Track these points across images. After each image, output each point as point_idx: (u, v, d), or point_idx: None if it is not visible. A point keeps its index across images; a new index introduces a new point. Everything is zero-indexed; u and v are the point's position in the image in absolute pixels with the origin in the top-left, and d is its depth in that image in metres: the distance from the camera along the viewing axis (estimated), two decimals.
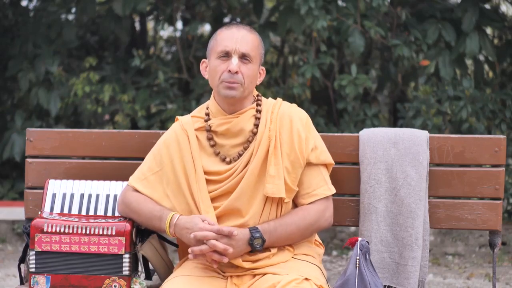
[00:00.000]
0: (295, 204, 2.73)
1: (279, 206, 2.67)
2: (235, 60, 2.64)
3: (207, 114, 2.74)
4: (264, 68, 2.78)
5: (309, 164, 2.70)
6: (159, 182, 2.71)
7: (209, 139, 2.71)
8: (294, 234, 2.67)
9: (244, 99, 2.70)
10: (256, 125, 2.69)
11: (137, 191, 2.74)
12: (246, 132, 2.69)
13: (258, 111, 2.71)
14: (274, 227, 2.63)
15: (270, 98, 2.79)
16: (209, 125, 2.71)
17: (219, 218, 2.65)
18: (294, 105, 2.77)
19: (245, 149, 2.68)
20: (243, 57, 2.65)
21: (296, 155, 2.66)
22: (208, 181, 2.67)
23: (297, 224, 2.66)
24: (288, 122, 2.69)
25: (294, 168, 2.66)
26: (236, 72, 2.63)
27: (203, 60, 2.77)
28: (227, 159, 2.69)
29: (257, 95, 2.77)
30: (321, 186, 2.71)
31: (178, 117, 2.80)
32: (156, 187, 2.71)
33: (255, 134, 2.69)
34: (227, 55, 2.65)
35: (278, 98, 2.79)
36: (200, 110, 2.79)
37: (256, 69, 2.70)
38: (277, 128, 2.67)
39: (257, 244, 2.59)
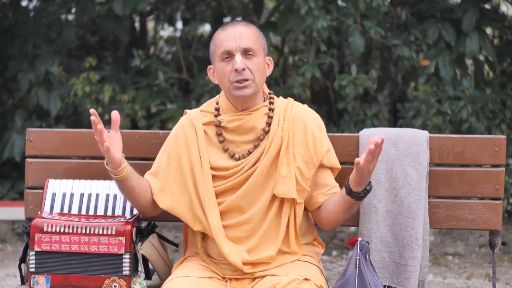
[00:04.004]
0: (306, 207, 2.71)
1: (292, 207, 2.64)
2: (238, 57, 2.59)
3: (217, 109, 2.70)
4: (271, 59, 2.72)
5: (321, 166, 2.68)
6: (165, 178, 2.69)
7: (218, 134, 2.67)
8: None
9: (256, 94, 2.65)
10: (269, 124, 2.66)
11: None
12: (257, 130, 2.66)
13: (271, 110, 2.67)
14: None
15: (281, 97, 2.76)
16: (218, 121, 2.68)
17: (222, 214, 2.63)
18: (306, 105, 2.74)
19: (256, 147, 2.65)
20: (246, 52, 2.60)
21: (310, 156, 2.64)
22: (214, 177, 2.64)
23: None
24: (302, 123, 2.66)
25: (308, 168, 2.64)
26: (243, 69, 2.59)
27: (209, 66, 2.72)
28: (236, 156, 2.65)
29: (269, 93, 2.72)
30: (335, 186, 2.71)
31: (186, 110, 2.76)
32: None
33: (267, 132, 2.65)
34: (229, 54, 2.61)
35: (288, 98, 2.76)
36: (209, 105, 2.75)
37: (262, 62, 2.65)
38: (290, 128, 2.64)
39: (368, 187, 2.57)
